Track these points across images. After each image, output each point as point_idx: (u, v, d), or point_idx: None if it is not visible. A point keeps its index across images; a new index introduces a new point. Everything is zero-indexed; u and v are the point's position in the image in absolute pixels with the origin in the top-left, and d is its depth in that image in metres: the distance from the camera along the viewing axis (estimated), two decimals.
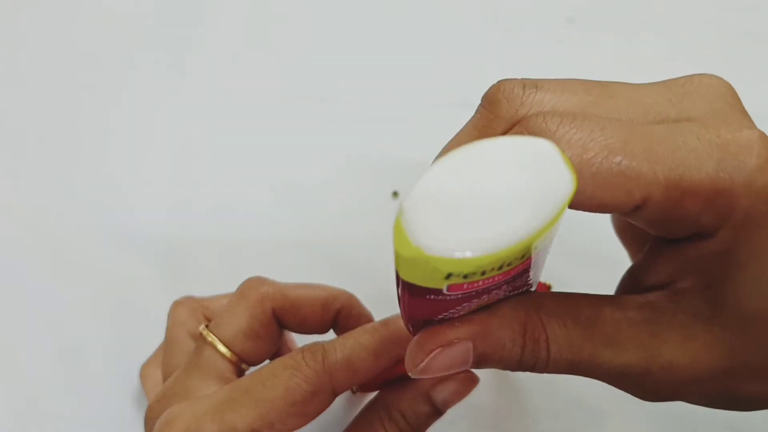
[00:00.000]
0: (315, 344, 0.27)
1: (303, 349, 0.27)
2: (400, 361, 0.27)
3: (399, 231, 0.17)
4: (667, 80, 0.22)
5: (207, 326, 0.31)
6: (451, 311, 0.21)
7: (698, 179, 0.18)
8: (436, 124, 0.49)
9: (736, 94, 0.22)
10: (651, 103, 0.21)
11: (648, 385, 0.21)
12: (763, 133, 0.20)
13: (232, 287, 0.40)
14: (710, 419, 0.36)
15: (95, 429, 0.37)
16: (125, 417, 0.38)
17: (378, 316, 0.31)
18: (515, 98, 0.21)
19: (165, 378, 0.32)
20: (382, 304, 0.28)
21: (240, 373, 0.31)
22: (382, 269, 0.41)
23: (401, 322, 0.27)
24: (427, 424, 0.28)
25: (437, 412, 0.28)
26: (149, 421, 0.29)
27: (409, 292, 0.19)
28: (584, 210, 0.20)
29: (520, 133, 0.20)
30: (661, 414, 0.36)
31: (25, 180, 0.47)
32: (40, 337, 0.40)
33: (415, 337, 0.22)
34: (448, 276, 0.18)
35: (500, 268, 0.18)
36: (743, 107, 0.22)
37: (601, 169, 0.18)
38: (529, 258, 0.19)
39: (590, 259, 0.40)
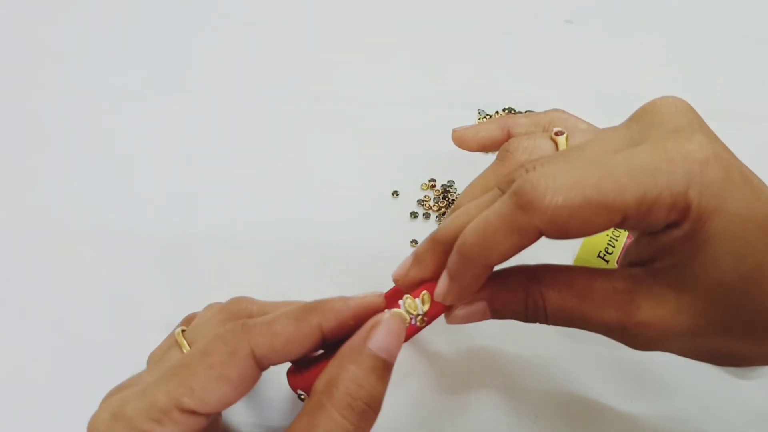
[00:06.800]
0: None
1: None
2: (334, 346, 0.27)
3: None
4: (634, 113, 0.28)
5: (183, 332, 0.31)
6: None
7: (657, 194, 0.24)
8: (436, 125, 0.49)
9: (690, 108, 0.27)
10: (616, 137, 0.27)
11: (627, 338, 0.27)
12: (704, 137, 0.25)
13: (232, 285, 0.41)
14: (710, 418, 0.36)
15: None
16: None
17: None
18: (520, 151, 0.32)
19: None
20: None
21: None
22: (382, 267, 0.41)
23: (330, 300, 0.28)
24: (382, 379, 0.26)
25: (385, 364, 0.26)
26: None
27: None
28: (579, 236, 0.25)
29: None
30: (663, 411, 0.37)
31: (26, 179, 0.47)
32: (42, 334, 0.40)
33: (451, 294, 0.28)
34: None
35: None
36: (695, 116, 0.27)
37: (585, 208, 0.24)
38: None
39: None
